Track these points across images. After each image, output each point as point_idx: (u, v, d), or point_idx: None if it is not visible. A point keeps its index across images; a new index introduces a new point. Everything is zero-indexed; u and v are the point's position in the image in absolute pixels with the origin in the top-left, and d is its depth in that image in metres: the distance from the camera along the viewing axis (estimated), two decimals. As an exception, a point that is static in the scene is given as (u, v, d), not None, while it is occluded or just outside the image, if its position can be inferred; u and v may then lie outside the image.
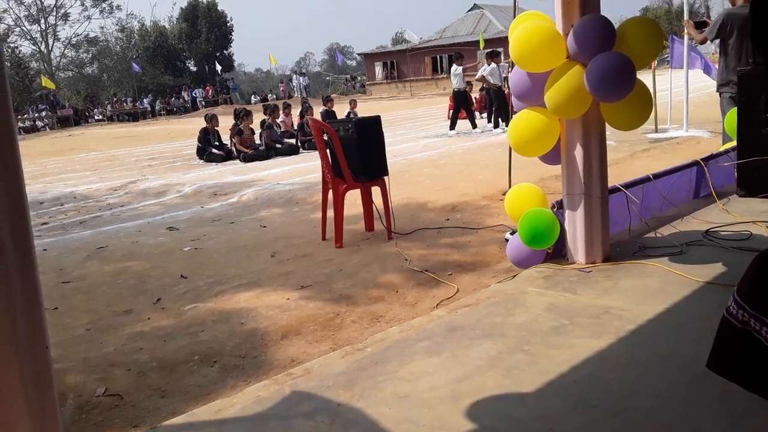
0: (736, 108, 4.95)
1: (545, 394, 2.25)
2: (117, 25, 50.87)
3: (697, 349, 2.27)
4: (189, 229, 6.40)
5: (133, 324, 3.84)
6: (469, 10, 48.18)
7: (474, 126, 14.06)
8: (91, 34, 51.73)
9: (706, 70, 10.08)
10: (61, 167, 14.53)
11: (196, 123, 19.32)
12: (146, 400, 2.89)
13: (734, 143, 5.00)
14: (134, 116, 39.21)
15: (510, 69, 5.33)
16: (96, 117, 39.68)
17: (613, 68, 3.29)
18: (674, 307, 2.91)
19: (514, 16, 4.31)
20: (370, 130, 5.26)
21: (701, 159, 4.92)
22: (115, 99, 42.95)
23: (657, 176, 4.48)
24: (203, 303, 4.11)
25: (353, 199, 5.91)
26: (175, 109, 42.15)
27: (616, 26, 3.48)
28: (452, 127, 13.86)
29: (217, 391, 2.92)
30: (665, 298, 3.00)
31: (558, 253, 3.82)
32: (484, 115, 15.70)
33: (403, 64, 45.81)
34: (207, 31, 51.23)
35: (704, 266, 3.36)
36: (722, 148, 5.38)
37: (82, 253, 5.68)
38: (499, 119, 13.64)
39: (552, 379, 2.33)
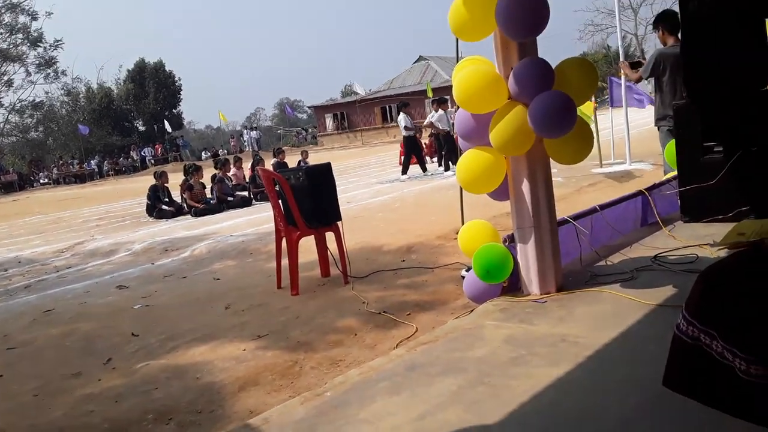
0: (674, 139, 5.14)
1: (508, 426, 2.22)
2: (63, 89, 50.12)
3: (653, 369, 2.27)
4: (140, 287, 6.24)
5: (82, 386, 3.69)
6: (415, 62, 49.41)
7: (424, 170, 14.27)
8: (36, 99, 50.84)
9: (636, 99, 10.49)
10: (5, 232, 14.08)
11: (145, 181, 19.05)
12: (98, 464, 2.76)
13: (675, 173, 5.18)
14: (81, 178, 38.57)
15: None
16: (41, 181, 38.85)
17: (555, 106, 3.39)
18: (628, 331, 2.95)
19: (457, 61, 4.44)
20: (321, 177, 5.28)
21: (645, 189, 5.07)
22: (61, 162, 42.15)
23: (604, 207, 4.59)
24: (156, 360, 3.99)
25: (308, 246, 5.87)
26: (123, 168, 41.62)
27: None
28: (404, 171, 14.03)
29: (172, 449, 2.81)
30: (619, 323, 3.03)
31: (513, 287, 3.86)
32: (435, 159, 15.96)
33: (353, 114, 46.43)
34: (155, 91, 51.13)
35: (655, 290, 3.43)
36: (664, 178, 5.56)
37: (28, 318, 5.46)
38: (450, 162, 13.87)
39: (513, 410, 2.32)
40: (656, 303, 3.23)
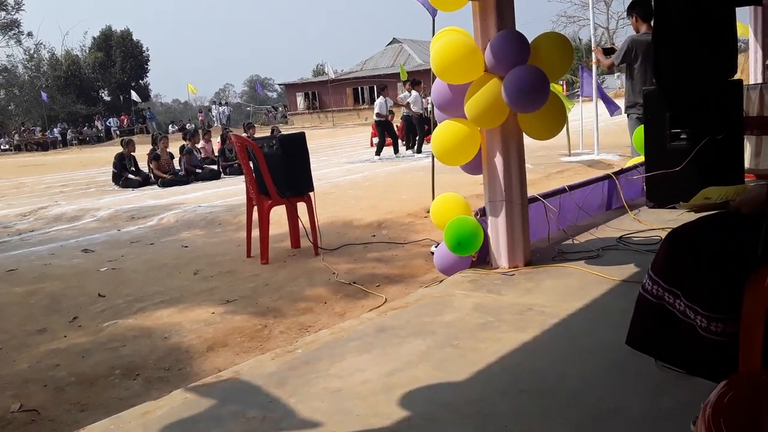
0: (642, 125, 5.25)
1: (475, 382, 2.29)
2: (25, 54, 48.69)
3: (615, 337, 2.36)
4: (105, 251, 6.17)
5: (48, 342, 3.66)
6: (388, 44, 49.15)
7: (396, 151, 14.30)
8: (-1, 63, 49.30)
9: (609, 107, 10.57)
10: (-36, 196, 13.71)
11: (110, 151, 18.69)
12: (64, 415, 2.76)
13: (641, 158, 5.30)
14: (44, 146, 37.70)
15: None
16: (2, 147, 37.86)
17: (528, 81, 3.45)
18: (593, 303, 3.04)
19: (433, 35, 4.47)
20: (295, 146, 5.27)
21: (613, 173, 5.19)
22: (23, 128, 41.06)
23: (572, 188, 4.70)
24: (123, 320, 3.97)
25: (278, 218, 5.88)
26: (87, 138, 40.74)
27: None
28: (378, 152, 14.04)
29: (140, 402, 2.80)
30: (584, 296, 3.13)
31: (482, 260, 3.93)
32: (404, 143, 15.97)
33: (324, 94, 46.06)
34: (122, 60, 50.05)
35: (619, 267, 3.53)
36: (630, 163, 5.68)
37: (-11, 276, 5.37)
38: (422, 145, 13.94)
39: (481, 369, 2.39)
40: (620, 279, 3.33)
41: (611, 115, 10.70)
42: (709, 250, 1.76)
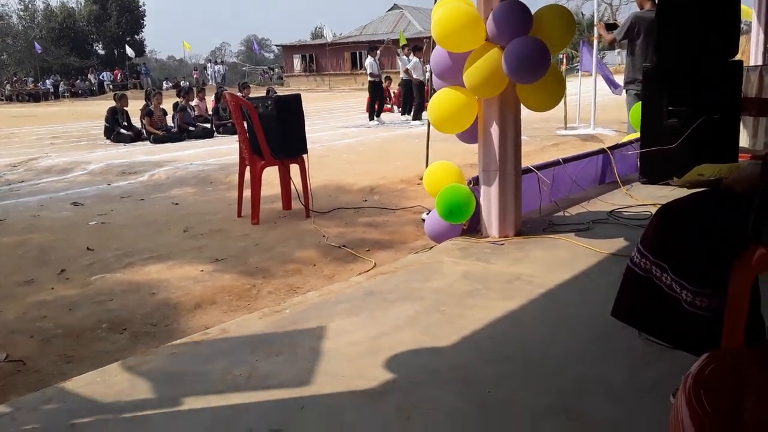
0: (640, 102, 5.23)
1: (460, 348, 2.31)
2: (20, 3, 47.83)
3: (602, 309, 2.36)
4: (95, 205, 6.14)
5: (35, 293, 3.66)
6: (389, 10, 48.45)
7: (378, 115, 14.17)
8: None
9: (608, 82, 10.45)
10: (-47, 144, 13.55)
11: (103, 105, 18.45)
12: (50, 366, 2.76)
13: (637, 134, 5.28)
14: (36, 97, 37.20)
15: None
16: (-7, 96, 37.37)
17: (529, 53, 3.42)
18: (581, 275, 3.06)
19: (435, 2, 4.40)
20: (290, 108, 5.21)
21: (607, 147, 5.18)
22: (15, 79, 40.47)
23: (566, 160, 4.69)
24: (111, 274, 3.97)
25: (270, 179, 5.84)
26: (80, 91, 40.21)
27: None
28: (371, 117, 13.94)
29: (127, 356, 2.81)
30: (573, 267, 3.14)
31: (473, 229, 3.93)
32: (400, 108, 15.84)
33: (322, 58, 45.50)
34: (117, 14, 49.33)
35: (609, 240, 3.55)
36: (626, 139, 5.67)
37: (-23, 226, 5.34)
38: (421, 113, 13.83)
39: (467, 335, 2.40)
40: (609, 252, 3.35)
41: (616, 93, 10.60)
42: (698, 226, 1.76)
